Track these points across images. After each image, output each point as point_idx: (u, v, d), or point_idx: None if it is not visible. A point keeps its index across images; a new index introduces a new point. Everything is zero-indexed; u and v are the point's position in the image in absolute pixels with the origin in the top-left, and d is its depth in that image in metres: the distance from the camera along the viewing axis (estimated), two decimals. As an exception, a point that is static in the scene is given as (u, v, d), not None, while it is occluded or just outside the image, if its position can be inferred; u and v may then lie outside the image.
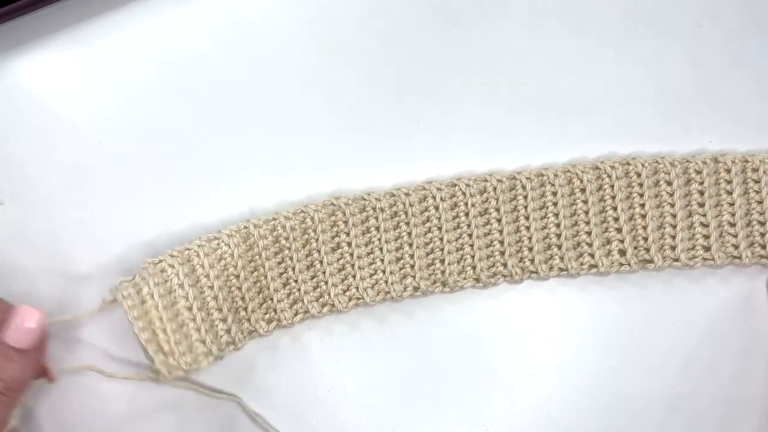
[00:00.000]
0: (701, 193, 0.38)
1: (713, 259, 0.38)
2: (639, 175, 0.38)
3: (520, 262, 0.38)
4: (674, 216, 0.38)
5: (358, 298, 0.37)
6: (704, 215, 0.38)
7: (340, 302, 0.37)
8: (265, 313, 0.37)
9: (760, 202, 0.38)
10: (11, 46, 0.39)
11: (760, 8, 0.41)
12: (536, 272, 0.38)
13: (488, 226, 0.38)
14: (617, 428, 0.38)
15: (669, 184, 0.38)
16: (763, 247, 0.38)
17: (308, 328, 0.38)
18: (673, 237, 0.38)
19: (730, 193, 0.38)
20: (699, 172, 0.38)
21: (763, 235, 0.38)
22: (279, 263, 0.37)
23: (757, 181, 0.38)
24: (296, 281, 0.37)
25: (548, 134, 0.39)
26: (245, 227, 0.36)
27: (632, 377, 0.38)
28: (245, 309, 0.36)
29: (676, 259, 0.38)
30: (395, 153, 0.39)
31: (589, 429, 0.38)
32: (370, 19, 0.40)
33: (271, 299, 0.36)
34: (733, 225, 0.38)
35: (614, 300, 0.39)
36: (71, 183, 0.38)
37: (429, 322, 0.38)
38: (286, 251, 0.36)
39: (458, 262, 0.38)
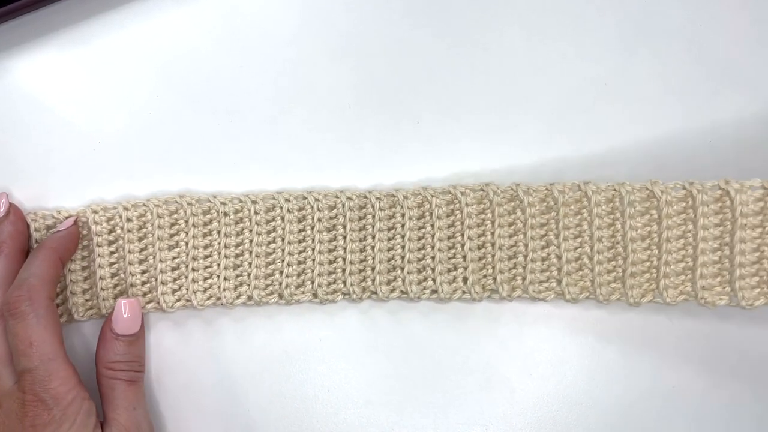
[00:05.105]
0: (557, 222, 0.35)
1: (563, 294, 0.34)
2: (491, 202, 0.36)
3: (361, 281, 0.36)
4: (526, 246, 0.35)
5: (187, 300, 0.36)
6: (558, 246, 0.35)
7: (165, 302, 0.36)
8: (88, 300, 0.37)
9: (624, 236, 0.34)
10: (11, 46, 0.39)
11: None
12: (376, 293, 0.36)
13: (334, 243, 0.37)
14: (617, 428, 0.37)
15: (523, 212, 0.35)
16: (623, 283, 0.34)
17: (309, 328, 0.38)
18: (524, 268, 0.35)
19: (591, 224, 0.35)
20: (555, 201, 0.35)
21: (624, 271, 0.34)
22: (112, 253, 0.37)
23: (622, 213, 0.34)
24: (124, 272, 0.37)
25: (547, 133, 0.38)
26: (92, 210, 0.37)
27: (632, 377, 0.37)
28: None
29: (525, 291, 0.34)
30: (395, 153, 0.38)
31: (589, 428, 0.37)
32: (370, 19, 0.40)
33: (96, 286, 0.36)
34: (590, 258, 0.34)
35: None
36: (71, 183, 0.38)
37: (430, 322, 0.38)
38: (120, 241, 0.37)
39: (298, 276, 0.36)
